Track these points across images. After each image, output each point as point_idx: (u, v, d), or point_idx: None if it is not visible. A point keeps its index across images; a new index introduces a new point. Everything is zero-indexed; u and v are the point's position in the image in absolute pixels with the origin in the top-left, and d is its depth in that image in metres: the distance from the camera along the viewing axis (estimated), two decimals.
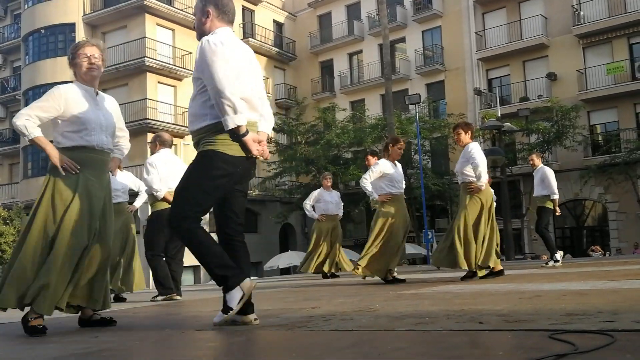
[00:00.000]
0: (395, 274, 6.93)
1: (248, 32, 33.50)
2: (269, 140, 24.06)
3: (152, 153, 6.40)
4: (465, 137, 6.53)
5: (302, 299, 5.08)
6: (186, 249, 3.93)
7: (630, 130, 25.95)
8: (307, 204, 9.83)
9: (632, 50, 26.60)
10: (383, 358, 2.01)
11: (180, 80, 29.17)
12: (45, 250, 3.40)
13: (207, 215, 3.42)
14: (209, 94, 3.06)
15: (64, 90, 3.58)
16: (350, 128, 28.42)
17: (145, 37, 27.97)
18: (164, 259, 6.23)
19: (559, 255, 9.12)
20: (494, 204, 6.56)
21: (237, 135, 3.04)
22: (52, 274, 3.33)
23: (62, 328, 3.74)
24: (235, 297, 3.05)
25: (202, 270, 28.81)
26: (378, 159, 8.95)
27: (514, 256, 20.90)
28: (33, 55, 29.78)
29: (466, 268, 6.22)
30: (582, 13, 27.28)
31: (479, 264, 6.21)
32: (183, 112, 27.98)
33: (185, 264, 6.41)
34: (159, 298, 6.12)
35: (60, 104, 3.52)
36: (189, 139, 23.16)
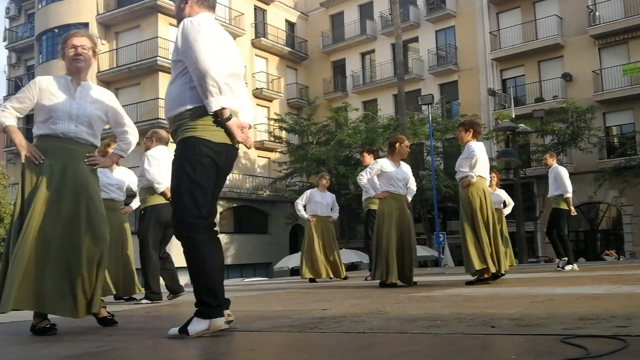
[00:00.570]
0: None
1: (260, 32, 33.59)
2: (280, 140, 23.97)
3: (147, 149, 6.14)
4: (465, 135, 6.54)
5: (313, 301, 5.09)
6: None
7: None
8: (299, 203, 9.56)
9: None
10: None
11: None
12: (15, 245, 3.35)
13: None
14: (189, 77, 2.87)
15: (38, 81, 3.60)
16: (362, 128, 28.37)
17: (157, 36, 28.14)
18: (157, 259, 5.98)
19: (561, 262, 8.97)
20: (489, 204, 6.40)
21: (220, 119, 2.83)
22: (13, 269, 3.26)
23: (75, 327, 3.77)
24: (198, 328, 2.84)
25: None
26: (374, 158, 8.96)
27: (527, 259, 20.76)
28: (47, 54, 30.09)
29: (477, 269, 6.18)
30: (597, 13, 27.04)
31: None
32: None
33: None
34: (143, 301, 5.87)
35: (33, 94, 3.55)
36: None
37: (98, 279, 3.45)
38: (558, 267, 9.10)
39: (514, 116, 24.56)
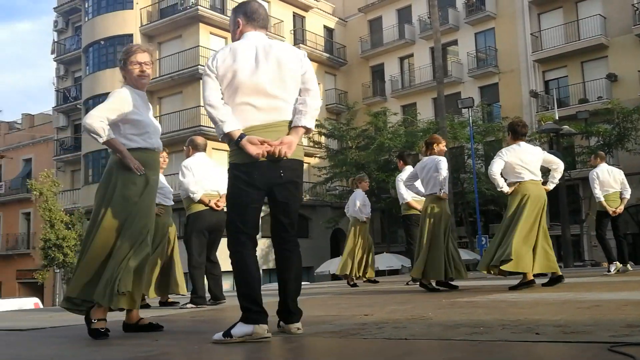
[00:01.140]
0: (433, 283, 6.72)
1: (299, 38, 33.85)
2: (319, 146, 23.97)
3: (186, 157, 6.29)
4: (508, 139, 6.46)
5: (354, 306, 5.10)
6: None
7: None
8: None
9: None
10: None
11: None
12: (111, 248, 3.57)
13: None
14: None
15: (125, 93, 3.72)
16: (402, 132, 28.25)
17: (199, 45, 28.66)
18: (204, 264, 6.09)
19: (613, 267, 8.74)
20: (536, 206, 6.23)
21: (234, 142, 3.05)
22: (124, 269, 3.49)
23: (123, 332, 3.87)
24: (243, 331, 2.95)
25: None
26: (405, 164, 8.88)
27: (572, 263, 20.27)
28: (93, 65, 31.00)
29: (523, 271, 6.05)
30: None
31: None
32: None
33: None
34: (189, 305, 5.97)
35: (125, 106, 3.67)
36: None
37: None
38: (608, 271, 8.87)
39: (557, 118, 24.06)
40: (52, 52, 37.47)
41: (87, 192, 29.93)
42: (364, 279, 9.60)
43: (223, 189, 5.90)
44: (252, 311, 2.96)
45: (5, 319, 5.92)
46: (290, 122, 3.12)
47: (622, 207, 8.89)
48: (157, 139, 3.85)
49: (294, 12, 34.00)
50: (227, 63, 3.09)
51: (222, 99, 3.08)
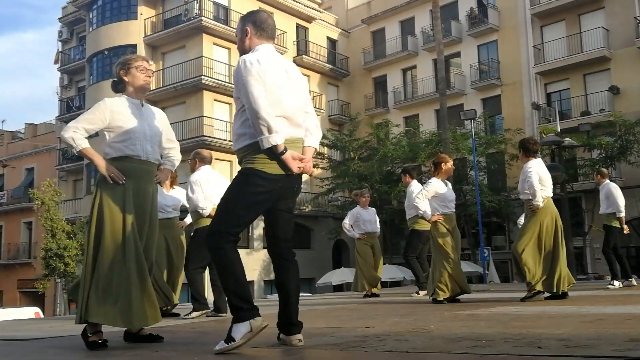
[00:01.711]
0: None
1: (302, 49, 33.98)
2: (321, 156, 24.09)
3: (191, 170, 6.28)
4: (521, 157, 6.58)
5: (356, 318, 5.07)
6: None
7: None
8: (347, 223, 9.58)
9: None
10: None
11: None
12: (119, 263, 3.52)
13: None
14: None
15: (109, 102, 3.70)
16: (404, 143, 28.29)
17: (202, 56, 28.79)
18: (203, 273, 6.12)
19: (616, 283, 8.72)
20: (556, 223, 6.35)
21: (274, 154, 3.03)
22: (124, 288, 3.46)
23: (122, 342, 3.85)
24: (241, 331, 2.94)
25: (256, 286, 29.09)
26: (411, 178, 9.01)
27: (576, 276, 20.15)
28: (97, 75, 31.16)
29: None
30: None
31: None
32: None
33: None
34: (193, 314, 6.00)
35: (105, 115, 3.64)
36: None
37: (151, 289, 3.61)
38: (610, 284, 8.84)
39: (559, 130, 24.06)
40: (56, 62, 37.68)
41: (89, 202, 29.88)
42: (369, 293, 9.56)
43: None
44: (244, 309, 2.96)
45: (6, 329, 5.90)
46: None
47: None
48: (147, 146, 3.71)
49: (297, 23, 34.17)
50: (272, 72, 3.10)
51: None
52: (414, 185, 8.85)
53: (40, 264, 29.72)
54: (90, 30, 32.42)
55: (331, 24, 36.83)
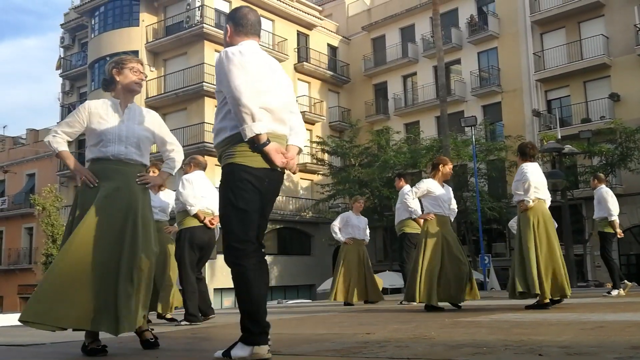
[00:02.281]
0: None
1: (303, 56, 34.07)
2: (322, 163, 24.06)
3: (185, 174, 6.22)
4: (518, 160, 6.56)
5: (356, 324, 5.07)
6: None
7: None
8: (336, 225, 9.51)
9: None
10: None
11: None
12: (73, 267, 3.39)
13: None
14: (229, 105, 2.94)
15: (87, 105, 3.69)
16: (405, 149, 28.31)
17: (203, 62, 28.87)
18: (194, 281, 6.01)
19: (614, 292, 8.70)
20: (548, 227, 6.27)
21: (257, 145, 2.87)
22: (68, 289, 3.33)
23: (123, 348, 3.86)
24: (241, 354, 2.83)
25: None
26: (405, 182, 8.95)
27: (576, 284, 20.13)
28: (98, 81, 31.20)
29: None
30: None
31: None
32: None
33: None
34: (183, 323, 5.91)
35: (83, 118, 3.64)
36: None
37: (140, 295, 3.46)
38: (609, 292, 8.85)
39: (559, 137, 24.08)
40: (58, 68, 37.76)
41: None
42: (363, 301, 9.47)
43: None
44: (252, 332, 2.84)
45: (6, 334, 5.89)
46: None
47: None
48: (122, 147, 3.61)
49: (298, 31, 34.26)
50: (254, 64, 2.98)
51: None
52: (407, 189, 8.68)
53: (41, 269, 29.69)
54: (92, 36, 32.54)
55: (332, 31, 36.94)
